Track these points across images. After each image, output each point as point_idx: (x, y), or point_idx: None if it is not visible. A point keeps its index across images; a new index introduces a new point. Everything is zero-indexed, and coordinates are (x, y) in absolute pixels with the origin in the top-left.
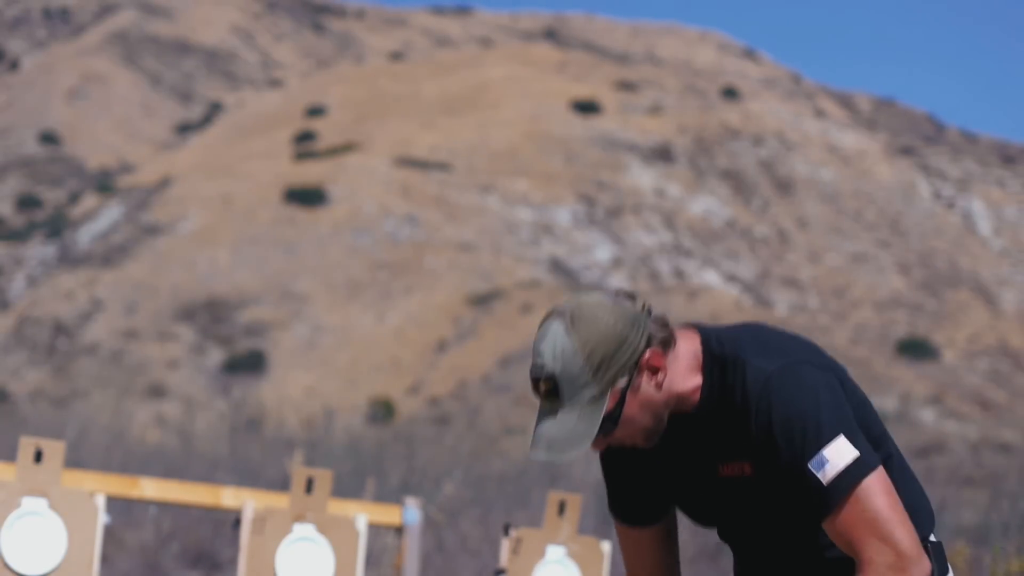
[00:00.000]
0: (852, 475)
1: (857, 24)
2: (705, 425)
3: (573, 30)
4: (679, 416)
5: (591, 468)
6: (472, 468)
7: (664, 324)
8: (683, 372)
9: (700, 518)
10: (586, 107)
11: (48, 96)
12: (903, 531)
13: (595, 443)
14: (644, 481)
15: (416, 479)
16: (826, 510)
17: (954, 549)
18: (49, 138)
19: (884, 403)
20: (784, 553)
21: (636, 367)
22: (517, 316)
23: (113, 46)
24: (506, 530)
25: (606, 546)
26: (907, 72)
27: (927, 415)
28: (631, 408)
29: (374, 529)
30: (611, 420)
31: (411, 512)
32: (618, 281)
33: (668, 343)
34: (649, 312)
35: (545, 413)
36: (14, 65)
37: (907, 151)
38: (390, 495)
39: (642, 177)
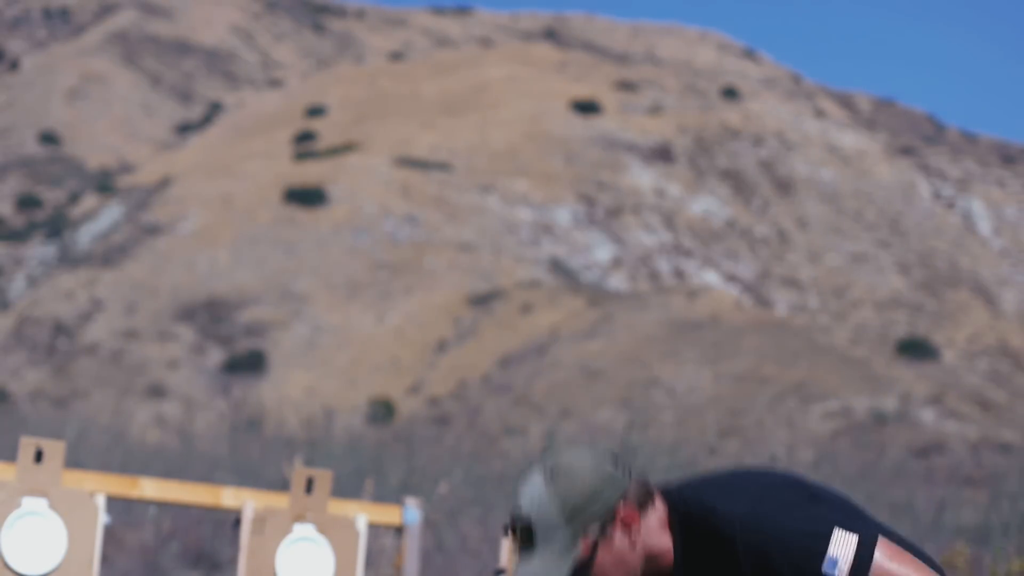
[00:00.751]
0: (864, 558)
1: (857, 24)
2: None
3: (573, 30)
4: None
5: None
6: (472, 468)
7: (644, 485)
8: (657, 532)
9: None
10: (586, 107)
11: (48, 96)
12: None
13: None
14: None
15: (416, 479)
16: None
17: (954, 549)
18: (49, 138)
19: (884, 403)
20: None
21: (612, 520)
22: (517, 316)
23: (113, 46)
24: (506, 530)
25: None
26: (907, 72)
27: (927, 415)
28: (604, 559)
29: (374, 529)
30: (584, 569)
31: (411, 512)
32: (618, 280)
33: (645, 503)
34: (630, 473)
35: (523, 555)
36: (14, 65)
37: (907, 151)
38: (390, 495)
39: (642, 177)
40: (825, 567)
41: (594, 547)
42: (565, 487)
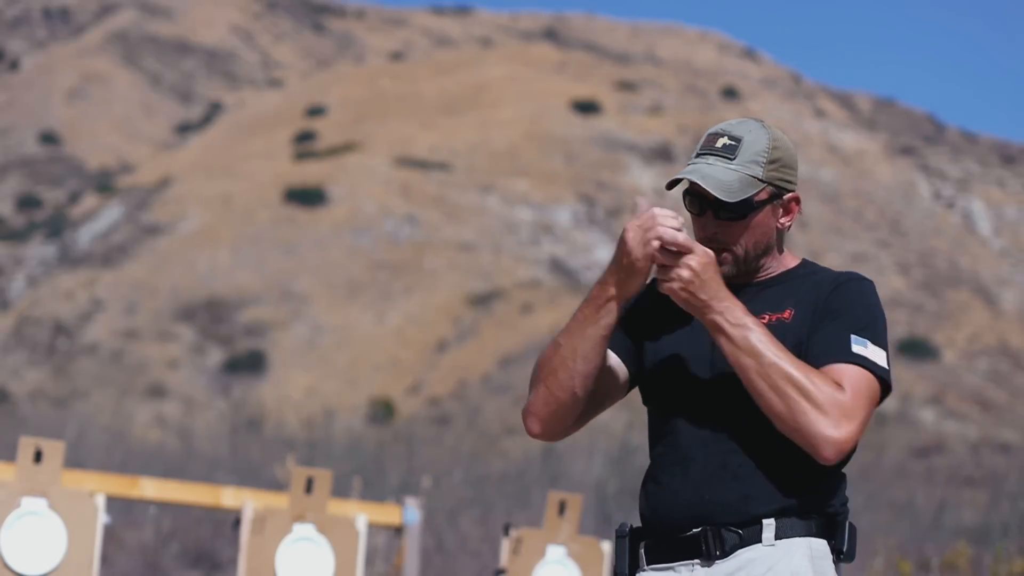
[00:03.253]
0: (872, 366)
1: (857, 24)
2: (758, 290)
3: (573, 30)
4: (737, 285)
5: (591, 468)
6: (472, 468)
7: None
8: (785, 250)
9: (693, 372)
10: (586, 107)
11: (48, 96)
12: (860, 424)
13: (711, 214)
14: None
15: (416, 479)
16: (832, 358)
17: (955, 549)
18: (49, 138)
19: (884, 403)
20: (744, 433)
21: (783, 195)
22: (517, 316)
23: (113, 46)
24: (506, 530)
25: (606, 546)
26: (907, 72)
27: (927, 415)
28: (762, 218)
29: (374, 529)
30: (746, 210)
31: (411, 512)
32: None
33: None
34: None
35: (706, 161)
36: (14, 65)
37: (907, 151)
38: (390, 495)
39: (642, 177)
40: (855, 336)
41: (765, 204)
42: (778, 137)
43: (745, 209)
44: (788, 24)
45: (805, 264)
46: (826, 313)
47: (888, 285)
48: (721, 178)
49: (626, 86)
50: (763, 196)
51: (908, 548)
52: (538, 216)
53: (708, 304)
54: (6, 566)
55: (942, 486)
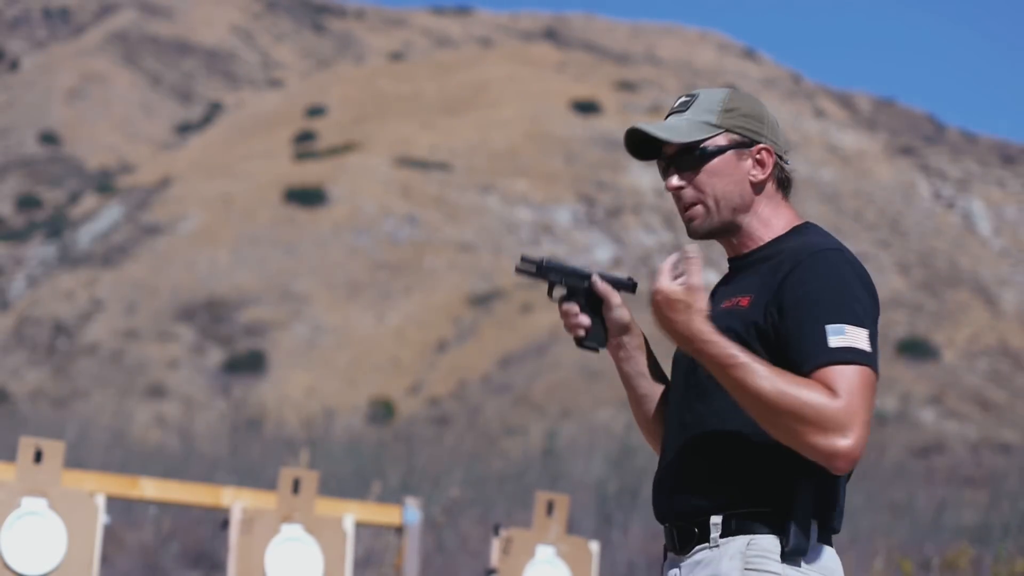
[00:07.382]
0: (858, 357)
1: (857, 24)
2: (744, 267)
3: (573, 30)
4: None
5: (591, 468)
6: (472, 468)
7: (790, 178)
8: (779, 213)
9: (675, 370)
10: (586, 107)
11: (48, 96)
12: (862, 425)
13: (673, 168)
14: None
15: (416, 479)
16: (814, 363)
17: (956, 549)
18: (49, 138)
19: (884, 403)
20: (711, 413)
21: (751, 146)
22: (517, 316)
23: (113, 46)
24: (496, 530)
25: (594, 546)
26: (907, 72)
27: (927, 415)
28: (722, 164)
29: (374, 529)
30: (703, 154)
31: (411, 512)
32: None
33: (785, 183)
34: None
35: (672, 116)
36: (14, 65)
37: (907, 151)
38: (390, 495)
39: (642, 177)
40: (830, 326)
41: (724, 149)
42: (739, 95)
43: (701, 154)
44: (788, 24)
45: (799, 230)
46: (793, 303)
47: (888, 285)
48: (668, 124)
49: (626, 86)
50: (721, 142)
51: (908, 548)
52: (538, 216)
53: (681, 334)
54: (6, 566)
55: (942, 486)
